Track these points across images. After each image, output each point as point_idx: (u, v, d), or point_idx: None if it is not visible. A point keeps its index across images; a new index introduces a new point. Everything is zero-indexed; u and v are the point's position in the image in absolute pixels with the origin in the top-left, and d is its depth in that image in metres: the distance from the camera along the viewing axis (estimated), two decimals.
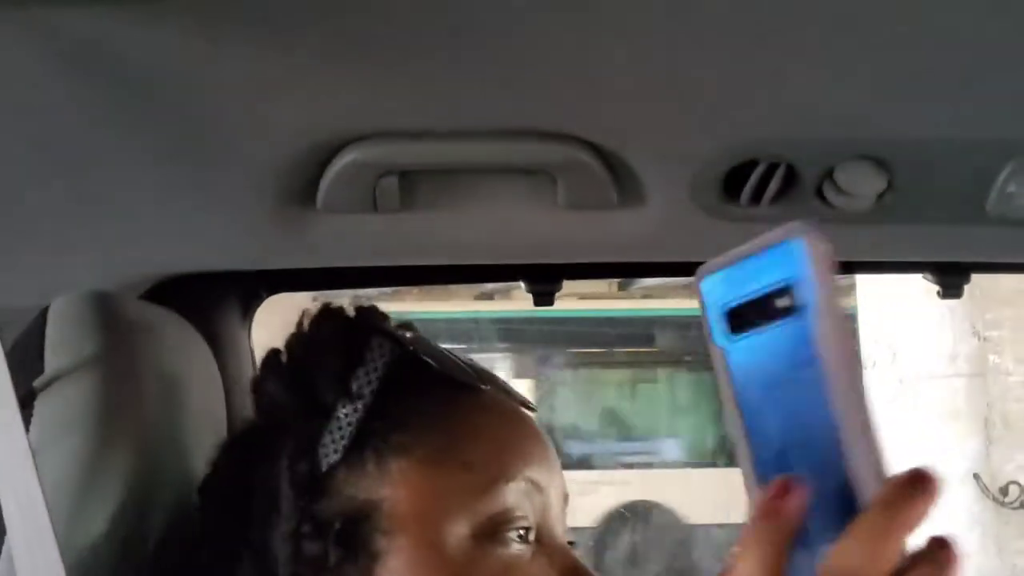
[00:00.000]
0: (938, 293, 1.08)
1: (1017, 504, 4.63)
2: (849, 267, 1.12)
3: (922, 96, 0.80)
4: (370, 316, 0.76)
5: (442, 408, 0.72)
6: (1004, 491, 4.62)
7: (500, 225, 0.94)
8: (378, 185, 0.87)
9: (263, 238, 0.93)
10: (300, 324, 0.76)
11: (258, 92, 0.75)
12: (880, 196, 0.90)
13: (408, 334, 0.75)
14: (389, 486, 0.69)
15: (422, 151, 0.83)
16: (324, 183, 0.86)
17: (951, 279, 1.07)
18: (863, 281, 4.96)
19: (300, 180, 0.86)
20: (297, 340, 0.75)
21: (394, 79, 0.75)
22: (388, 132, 0.82)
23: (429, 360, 0.73)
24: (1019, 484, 4.63)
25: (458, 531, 0.67)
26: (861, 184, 0.89)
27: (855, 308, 5.22)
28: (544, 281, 1.07)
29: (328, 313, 0.76)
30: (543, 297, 1.09)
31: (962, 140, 0.85)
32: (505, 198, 0.91)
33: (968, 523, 4.60)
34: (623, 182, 0.88)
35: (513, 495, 0.69)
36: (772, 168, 0.88)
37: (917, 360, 4.76)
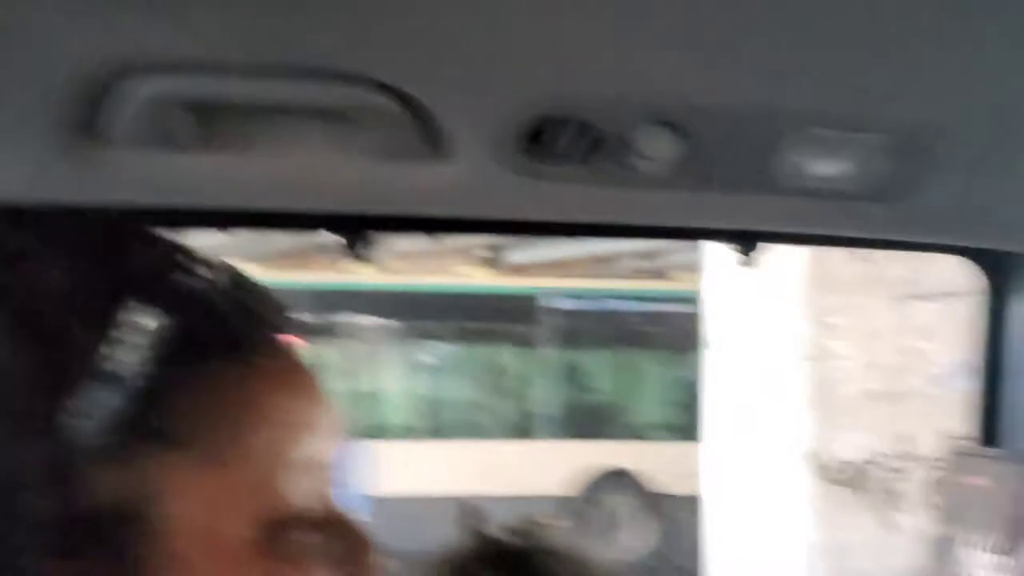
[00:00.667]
0: (739, 261, 1.11)
1: (845, 482, 4.85)
2: (650, 232, 1.14)
3: (714, 61, 0.81)
4: (136, 249, 0.57)
5: (221, 385, 0.58)
6: (834, 469, 4.83)
7: (302, 171, 0.93)
8: (173, 120, 0.84)
9: (48, 170, 0.89)
10: (26, 250, 0.55)
11: (28, 7, 0.71)
12: (678, 162, 0.93)
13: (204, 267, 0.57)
14: (156, 483, 0.56)
15: (216, 86, 0.81)
16: (112, 113, 0.83)
17: (745, 247, 1.10)
18: (708, 263, 5.09)
19: (84, 108, 0.82)
20: (31, 278, 0.55)
21: (181, 5, 0.73)
22: (178, 63, 0.79)
23: (213, 320, 0.57)
24: (850, 463, 4.85)
25: (239, 534, 0.58)
26: (659, 148, 0.91)
27: (698, 291, 5.36)
28: (349, 231, 1.05)
29: (72, 242, 0.56)
30: (355, 250, 1.07)
31: (752, 108, 0.87)
32: (307, 142, 0.90)
33: (799, 500, 4.79)
34: (427, 133, 0.88)
35: (298, 486, 0.59)
36: (581, 129, 0.89)
37: (757, 342, 4.92)
